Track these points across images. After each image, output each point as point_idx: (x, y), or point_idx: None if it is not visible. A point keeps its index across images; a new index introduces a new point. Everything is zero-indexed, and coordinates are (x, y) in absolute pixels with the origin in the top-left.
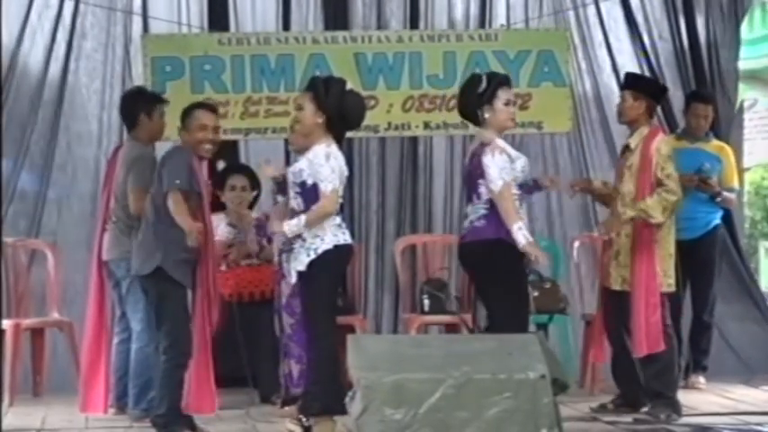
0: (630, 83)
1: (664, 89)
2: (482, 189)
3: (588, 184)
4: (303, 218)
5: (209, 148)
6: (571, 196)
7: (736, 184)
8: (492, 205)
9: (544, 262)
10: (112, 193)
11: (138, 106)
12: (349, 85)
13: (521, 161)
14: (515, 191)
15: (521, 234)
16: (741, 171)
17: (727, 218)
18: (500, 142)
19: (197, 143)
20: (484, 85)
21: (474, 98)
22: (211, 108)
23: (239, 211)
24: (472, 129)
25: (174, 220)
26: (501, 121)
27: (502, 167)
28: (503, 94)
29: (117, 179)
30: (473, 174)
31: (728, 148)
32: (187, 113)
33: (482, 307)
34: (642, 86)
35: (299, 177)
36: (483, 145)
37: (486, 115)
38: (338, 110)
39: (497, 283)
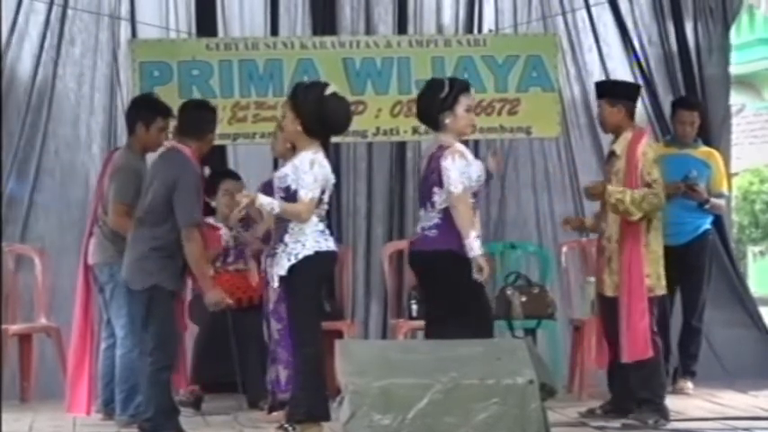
0: (603, 91)
1: (638, 87)
2: (436, 198)
3: (581, 224)
4: (280, 203)
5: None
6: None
7: (725, 190)
8: (446, 216)
9: (486, 276)
10: (102, 197)
11: (139, 115)
12: (332, 89)
13: (476, 167)
14: (470, 199)
15: (477, 243)
16: (729, 176)
17: (718, 223)
18: (459, 146)
19: (206, 146)
20: (446, 90)
21: (435, 103)
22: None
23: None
24: (431, 133)
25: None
26: (461, 128)
27: (462, 171)
28: (464, 100)
29: (105, 184)
30: (429, 179)
31: (717, 154)
32: (202, 118)
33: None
34: (615, 92)
35: (284, 182)
36: (441, 148)
37: (447, 120)
38: (315, 115)
39: (445, 295)
